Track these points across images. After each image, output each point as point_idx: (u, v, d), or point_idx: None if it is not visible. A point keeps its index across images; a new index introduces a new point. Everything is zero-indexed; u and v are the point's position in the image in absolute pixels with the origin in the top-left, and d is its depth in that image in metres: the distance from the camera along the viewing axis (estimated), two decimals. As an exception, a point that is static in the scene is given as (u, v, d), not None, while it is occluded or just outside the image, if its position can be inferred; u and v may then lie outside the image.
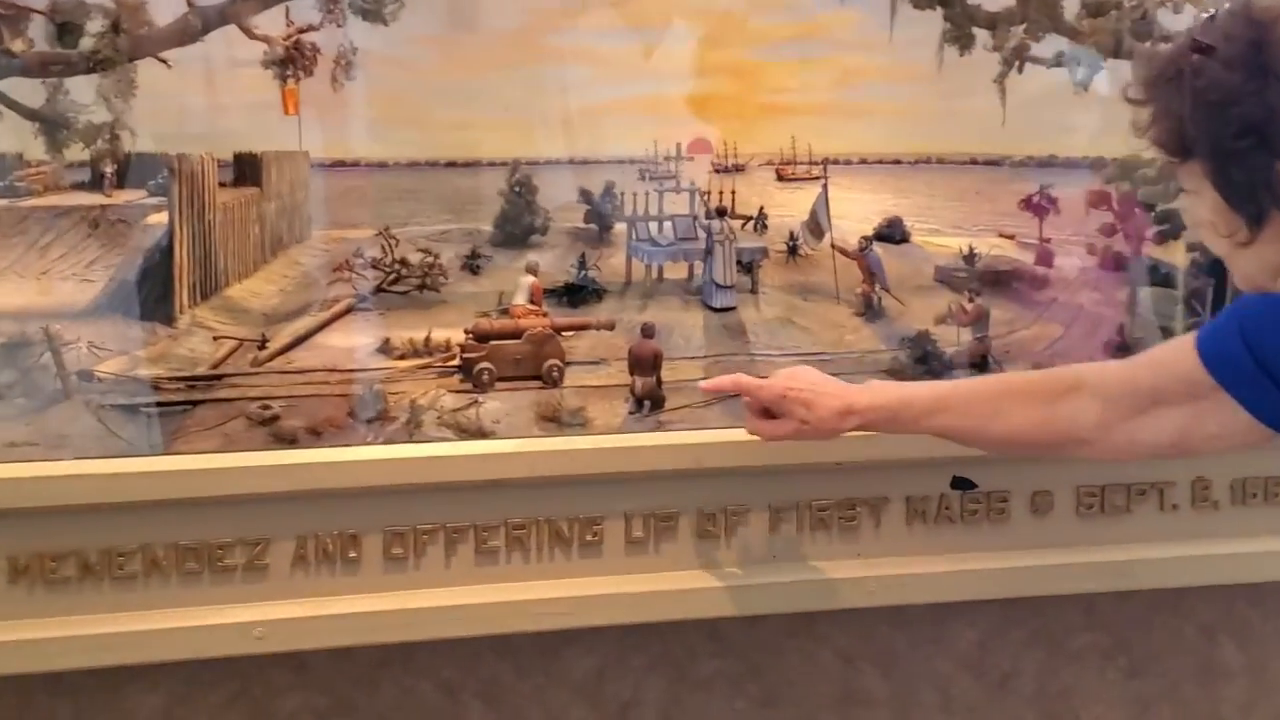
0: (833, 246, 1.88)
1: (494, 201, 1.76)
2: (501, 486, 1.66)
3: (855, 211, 1.89)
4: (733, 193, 1.86)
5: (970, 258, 1.91)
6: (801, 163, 1.84)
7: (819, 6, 1.77)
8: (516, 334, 1.77)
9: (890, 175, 1.88)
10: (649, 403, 1.79)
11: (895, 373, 1.86)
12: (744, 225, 1.88)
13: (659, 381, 1.80)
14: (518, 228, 1.78)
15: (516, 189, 1.76)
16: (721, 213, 1.87)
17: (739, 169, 1.84)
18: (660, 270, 1.89)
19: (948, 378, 1.85)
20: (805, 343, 1.84)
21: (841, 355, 1.84)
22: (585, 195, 1.81)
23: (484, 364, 1.75)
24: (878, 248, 1.89)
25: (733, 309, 1.85)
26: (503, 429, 1.73)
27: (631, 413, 1.78)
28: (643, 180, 1.81)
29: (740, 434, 1.61)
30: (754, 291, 1.87)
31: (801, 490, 1.74)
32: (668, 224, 1.86)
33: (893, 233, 1.89)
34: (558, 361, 1.77)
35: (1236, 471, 1.85)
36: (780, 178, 1.86)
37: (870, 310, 1.88)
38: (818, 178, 1.85)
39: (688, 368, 1.80)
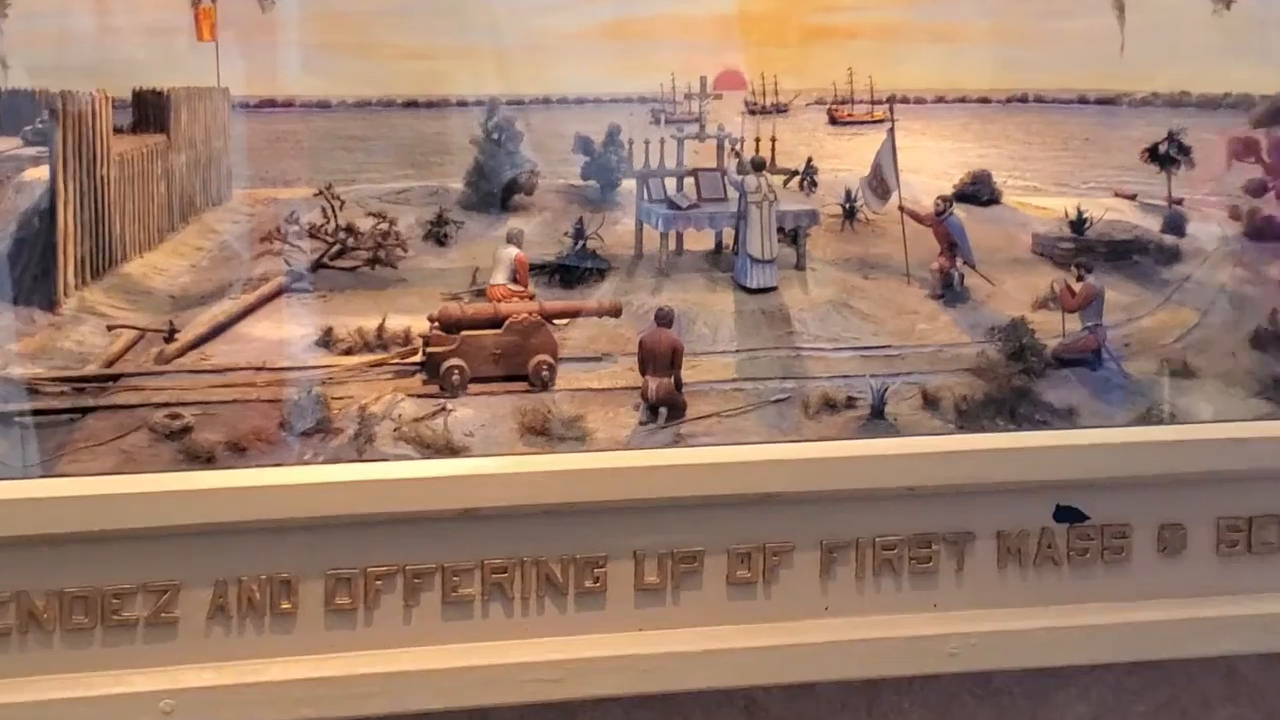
0: (901, 209, 1.81)
1: (465, 152, 1.69)
2: (476, 518, 1.57)
3: (931, 164, 1.82)
4: (773, 140, 1.80)
5: (1078, 224, 1.83)
6: (861, 101, 1.77)
7: (883, -102, 1.73)
8: (495, 322, 1.70)
9: (976, 117, 1.80)
10: (665, 410, 1.70)
11: (982, 371, 1.76)
12: (787, 182, 1.83)
13: (678, 383, 1.71)
14: (496, 185, 1.72)
15: (494, 135, 1.69)
16: (759, 166, 1.79)
17: (780, 110, 1.78)
18: (680, 240, 1.83)
19: (1053, 376, 1.76)
20: (866, 333, 1.75)
21: (912, 349, 1.76)
22: (583, 143, 1.75)
23: (454, 360, 1.68)
24: (959, 211, 1.81)
25: (773, 289, 1.78)
26: (478, 443, 1.65)
27: (643, 423, 1.69)
28: (657, 124, 1.74)
29: (784, 450, 1.57)
30: (800, 267, 1.80)
31: (862, 523, 1.65)
32: (689, 181, 1.81)
33: (979, 191, 1.82)
34: (548, 358, 1.70)
35: None
36: (834, 121, 1.81)
37: (950, 291, 1.81)
38: (882, 120, 1.77)
39: (715, 365, 1.72)
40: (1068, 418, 1.74)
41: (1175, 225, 1.83)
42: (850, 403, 1.71)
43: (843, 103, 1.76)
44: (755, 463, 1.62)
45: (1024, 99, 1.79)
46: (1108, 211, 1.82)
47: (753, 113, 1.75)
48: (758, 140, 1.78)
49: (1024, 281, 1.79)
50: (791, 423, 1.70)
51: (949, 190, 1.80)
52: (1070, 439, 1.70)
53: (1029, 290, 1.79)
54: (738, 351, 1.73)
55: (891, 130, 1.76)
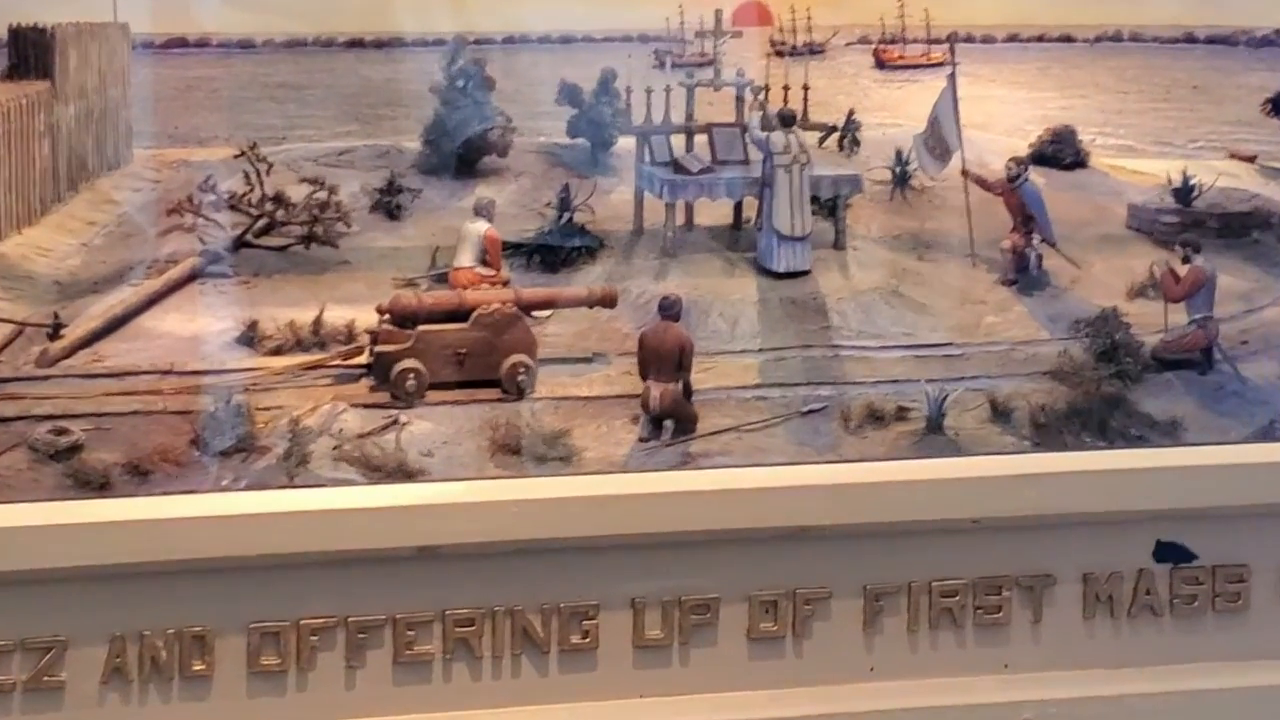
0: (964, 174, 1.76)
1: (423, 103, 1.66)
2: (436, 557, 1.51)
3: (1001, 118, 1.78)
4: (805, 89, 1.75)
5: (1184, 192, 1.78)
6: (915, 40, 1.74)
7: None
8: (460, 314, 1.66)
9: (1056, 60, 1.78)
10: (671, 423, 1.65)
11: (1065, 375, 1.70)
12: (823, 140, 1.78)
13: (687, 390, 1.65)
14: (461, 144, 1.68)
15: (459, 82, 1.66)
16: (787, 121, 1.74)
17: (815, 51, 1.75)
18: (689, 213, 1.78)
19: (1152, 382, 1.70)
20: (922, 327, 1.71)
21: (978, 348, 1.71)
22: (569, 93, 1.71)
23: (408, 362, 1.64)
24: (1036, 176, 1.77)
25: (805, 274, 1.73)
26: (438, 465, 1.60)
27: (643, 439, 1.65)
28: (661, 68, 1.71)
29: (819, 473, 1.50)
30: (839, 246, 1.76)
31: (916, 564, 1.59)
32: (701, 139, 1.76)
33: (1061, 152, 1.79)
34: (525, 358, 1.65)
35: None
36: (881, 65, 1.77)
37: (1024, 276, 1.76)
38: (941, 64, 1.73)
39: (733, 368, 1.68)
40: (1170, 433, 1.70)
41: (1305, 193, 1.79)
42: (901, 414, 1.67)
43: (892, 42, 1.74)
44: (783, 489, 1.55)
45: (1117, 37, 1.77)
46: (1220, 177, 1.78)
47: (780, 54, 1.72)
48: (786, 89, 1.74)
49: (1116, 264, 1.76)
50: (828, 439, 1.65)
51: (1023, 151, 1.77)
52: (1173, 459, 1.65)
53: (1123, 275, 1.76)
54: (761, 351, 1.69)
55: (952, 76, 1.71)
